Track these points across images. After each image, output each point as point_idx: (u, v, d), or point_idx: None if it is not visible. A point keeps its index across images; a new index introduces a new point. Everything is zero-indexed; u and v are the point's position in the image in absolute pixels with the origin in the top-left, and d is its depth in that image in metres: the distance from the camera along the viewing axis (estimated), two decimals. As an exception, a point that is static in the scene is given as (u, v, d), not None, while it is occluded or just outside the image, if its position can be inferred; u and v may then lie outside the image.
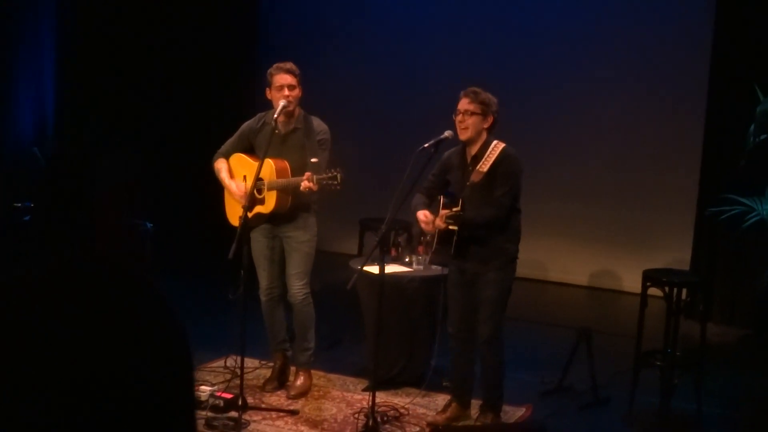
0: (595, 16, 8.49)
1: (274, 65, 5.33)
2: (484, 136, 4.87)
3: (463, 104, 4.88)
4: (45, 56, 7.82)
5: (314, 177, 4.97)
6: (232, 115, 8.29)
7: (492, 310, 4.88)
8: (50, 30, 7.85)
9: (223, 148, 5.54)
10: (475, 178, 4.84)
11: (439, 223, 4.79)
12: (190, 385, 0.98)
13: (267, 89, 5.32)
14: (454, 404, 5.15)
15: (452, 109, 4.98)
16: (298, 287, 5.42)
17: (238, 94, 9.02)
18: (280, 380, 5.61)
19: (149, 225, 6.64)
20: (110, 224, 7.56)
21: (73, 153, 7.85)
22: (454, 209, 4.75)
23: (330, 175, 4.96)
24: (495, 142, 4.86)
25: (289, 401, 5.35)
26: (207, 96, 8.83)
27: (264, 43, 9.53)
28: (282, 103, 5.16)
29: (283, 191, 5.23)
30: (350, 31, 9.48)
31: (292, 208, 5.32)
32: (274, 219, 5.37)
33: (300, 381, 5.53)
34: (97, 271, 0.93)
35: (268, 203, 5.26)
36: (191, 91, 8.78)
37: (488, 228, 4.85)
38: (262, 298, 5.56)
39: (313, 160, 5.11)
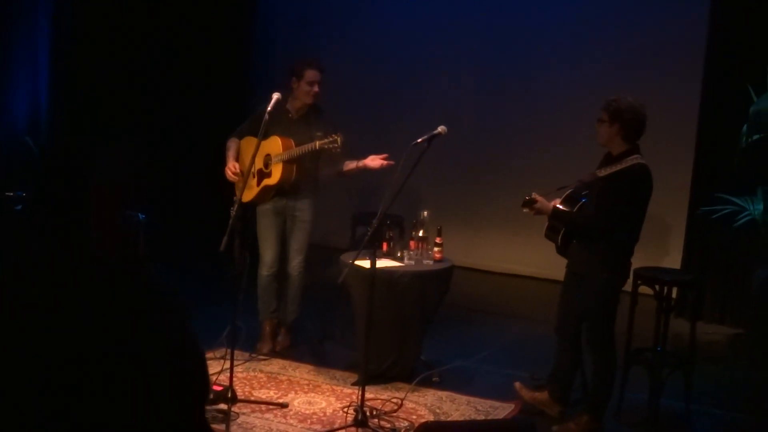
0: (589, 17, 8.49)
1: (307, 60, 5.86)
2: (620, 142, 4.80)
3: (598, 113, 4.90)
4: (39, 46, 7.79)
5: (317, 143, 5.49)
6: (224, 108, 8.30)
7: (588, 317, 4.94)
8: (45, 19, 7.82)
9: (239, 128, 6.03)
10: (585, 178, 4.93)
11: (536, 197, 4.90)
12: (168, 377, 0.96)
13: (293, 78, 5.78)
14: (546, 391, 5.22)
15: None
16: (298, 261, 5.98)
17: (232, 87, 9.01)
18: (272, 342, 6.08)
19: (142, 216, 6.63)
20: (105, 216, 7.55)
21: (66, 143, 7.83)
22: (528, 198, 4.90)
23: (330, 139, 5.46)
24: (635, 155, 4.77)
25: (279, 394, 5.36)
26: (200, 89, 8.82)
27: (259, 37, 9.52)
28: (275, 96, 5.31)
29: (288, 162, 5.69)
30: (345, 27, 9.47)
31: (298, 181, 5.80)
32: (282, 193, 5.87)
33: (285, 338, 6.14)
34: (98, 265, 0.94)
35: (275, 175, 5.77)
36: (185, 84, 8.76)
37: (580, 230, 4.91)
38: (264, 272, 6.01)
39: (318, 133, 5.61)
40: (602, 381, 4.98)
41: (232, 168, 5.80)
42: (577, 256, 4.98)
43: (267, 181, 5.81)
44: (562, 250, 5.10)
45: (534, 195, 4.88)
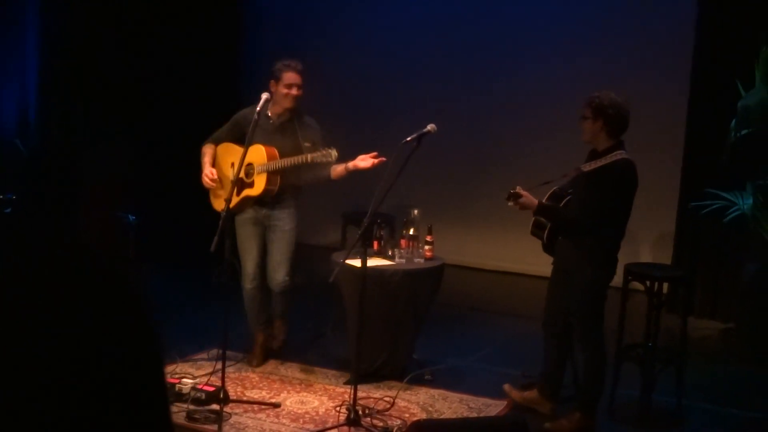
0: (577, 15, 8.51)
1: (285, 62, 5.54)
2: (605, 138, 4.81)
3: (580, 110, 4.90)
4: (28, 47, 7.76)
5: (309, 156, 5.22)
6: (215, 109, 8.27)
7: (576, 313, 4.94)
8: (34, 20, 7.79)
9: (215, 134, 5.73)
10: (571, 172, 4.94)
11: (520, 191, 4.87)
12: (161, 375, 0.98)
13: (272, 81, 5.51)
14: (535, 390, 5.22)
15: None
16: (282, 274, 5.64)
17: (223, 88, 9.00)
18: (264, 355, 5.82)
19: (132, 218, 6.60)
20: (95, 218, 7.53)
21: (55, 145, 7.81)
22: (512, 191, 4.84)
23: (323, 152, 5.19)
24: (619, 151, 4.78)
25: (271, 394, 5.35)
26: (190, 90, 8.80)
27: (249, 38, 9.51)
28: (264, 96, 5.26)
29: (273, 173, 5.43)
30: (335, 27, 9.47)
31: (281, 192, 5.53)
32: (261, 203, 5.57)
33: (280, 332, 5.89)
34: (77, 267, 0.94)
35: (258, 186, 5.47)
36: (175, 84, 8.74)
37: (565, 225, 4.91)
38: (247, 285, 5.71)
39: (306, 144, 5.39)
40: (593, 377, 4.99)
41: (209, 174, 5.56)
42: (563, 252, 4.99)
43: (248, 192, 5.49)
44: (548, 248, 5.11)
45: (518, 189, 4.88)
